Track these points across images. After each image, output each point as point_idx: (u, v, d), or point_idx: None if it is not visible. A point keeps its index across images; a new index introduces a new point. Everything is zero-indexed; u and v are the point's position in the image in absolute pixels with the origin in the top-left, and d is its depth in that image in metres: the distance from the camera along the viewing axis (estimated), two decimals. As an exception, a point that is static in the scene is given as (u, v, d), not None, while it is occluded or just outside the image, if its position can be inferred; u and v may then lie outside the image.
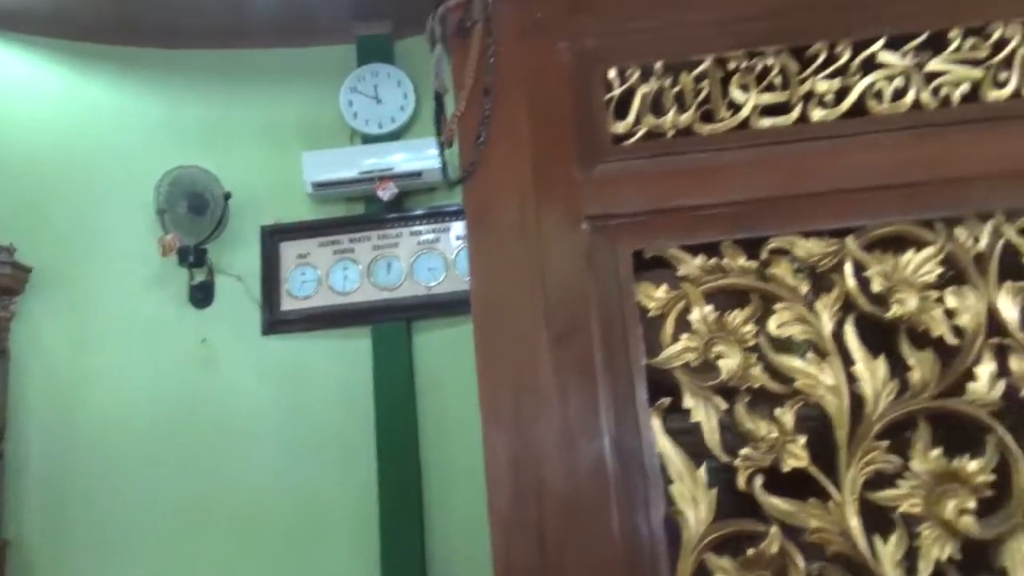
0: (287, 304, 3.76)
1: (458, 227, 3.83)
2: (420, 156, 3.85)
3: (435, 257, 3.81)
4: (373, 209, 3.90)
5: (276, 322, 3.74)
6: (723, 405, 0.74)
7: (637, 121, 0.85)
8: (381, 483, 3.52)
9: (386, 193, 3.80)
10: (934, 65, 0.83)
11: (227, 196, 3.73)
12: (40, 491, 3.43)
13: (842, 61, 0.84)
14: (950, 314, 0.74)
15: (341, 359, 3.71)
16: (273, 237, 3.84)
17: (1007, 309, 0.73)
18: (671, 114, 0.85)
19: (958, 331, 0.74)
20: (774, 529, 0.70)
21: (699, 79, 0.86)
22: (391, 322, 3.73)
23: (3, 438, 3.30)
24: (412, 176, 3.85)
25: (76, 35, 3.89)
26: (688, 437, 0.74)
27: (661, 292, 0.79)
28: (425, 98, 4.05)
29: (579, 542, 0.72)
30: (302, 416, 3.64)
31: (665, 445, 0.73)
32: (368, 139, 3.97)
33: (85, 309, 3.65)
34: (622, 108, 0.86)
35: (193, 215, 3.68)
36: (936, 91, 0.82)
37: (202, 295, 3.71)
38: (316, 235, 3.86)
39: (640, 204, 0.82)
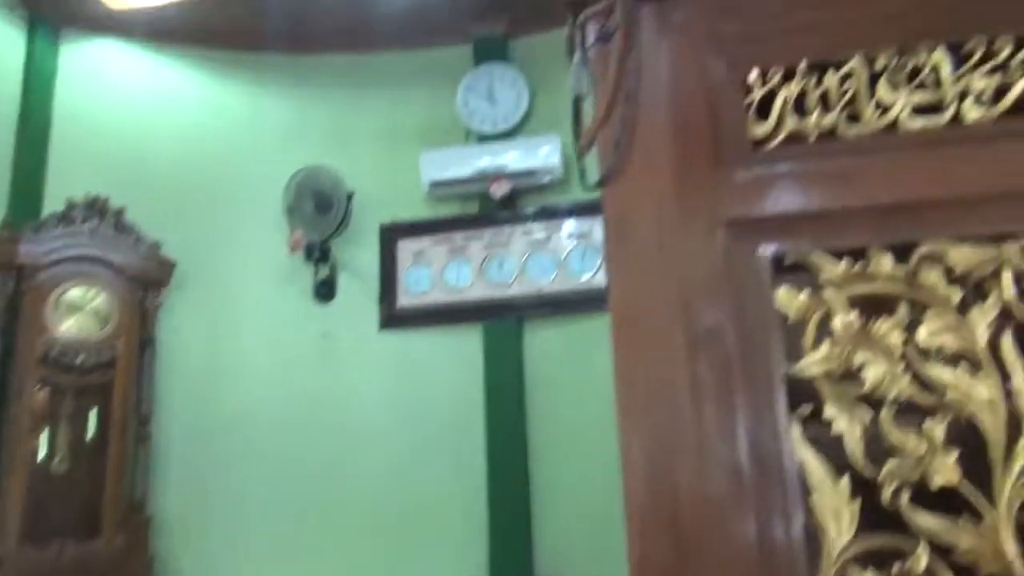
0: (404, 300, 3.90)
1: (569, 225, 3.85)
2: (533, 155, 3.90)
3: (546, 256, 3.84)
4: (487, 208, 3.97)
5: (393, 317, 3.88)
6: (867, 416, 0.72)
7: (779, 124, 0.84)
8: (491, 481, 3.60)
9: (499, 191, 3.87)
10: (1109, 60, 0.77)
11: (350, 195, 3.91)
12: (180, 473, 3.71)
13: (1002, 57, 0.80)
14: (1124, 328, 0.70)
15: (454, 355, 3.81)
16: (391, 235, 3.99)
17: None
18: (815, 116, 0.83)
19: None
20: (922, 546, 0.68)
21: (845, 79, 0.84)
22: (503, 319, 3.79)
23: (150, 421, 3.59)
24: (525, 175, 3.89)
25: (212, 43, 4.15)
26: (829, 448, 0.73)
27: (802, 298, 0.77)
28: (539, 97, 4.08)
29: (715, 547, 0.72)
30: (416, 411, 3.77)
31: (805, 454, 0.72)
32: (483, 138, 4.05)
33: (221, 302, 3.92)
34: (763, 110, 0.85)
35: (319, 213, 3.87)
36: (1110, 89, 0.77)
37: (326, 290, 3.90)
38: (431, 233, 3.97)
39: (781, 208, 0.81)
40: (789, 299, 0.77)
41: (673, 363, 0.79)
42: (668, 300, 0.81)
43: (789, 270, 0.80)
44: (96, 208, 3.62)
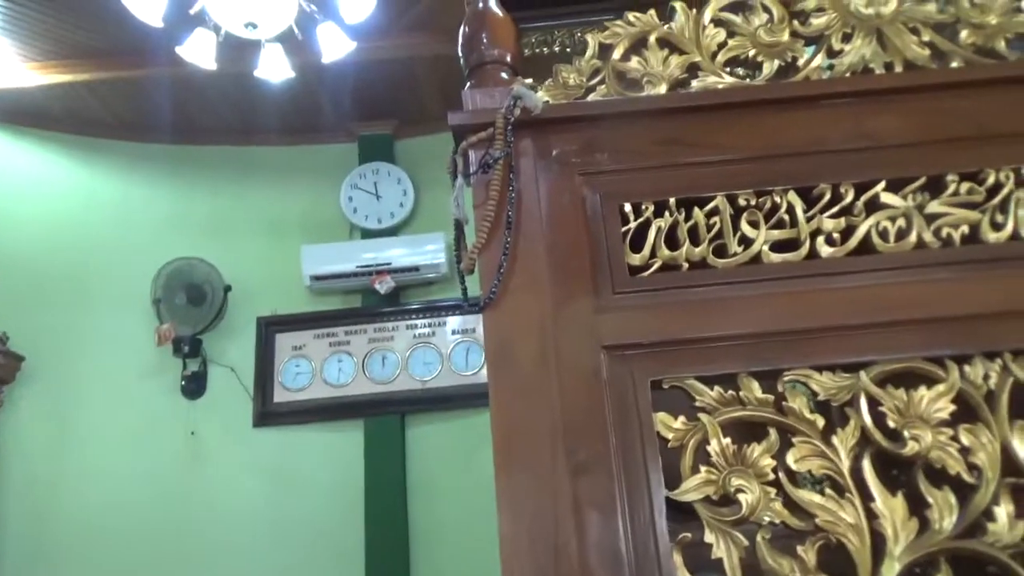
0: (280, 396, 3.73)
1: (454, 322, 3.86)
2: (417, 251, 3.92)
3: (430, 351, 3.81)
4: (370, 302, 3.93)
5: (268, 414, 3.70)
6: (744, 542, 0.74)
7: (653, 254, 0.89)
8: (370, 583, 3.41)
9: (383, 286, 3.84)
10: (934, 207, 0.87)
11: (227, 288, 3.76)
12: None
13: (846, 201, 0.89)
14: (965, 451, 0.76)
15: (333, 453, 3.66)
16: (269, 328, 3.85)
17: (1021, 449, 0.75)
18: (685, 247, 0.89)
19: (974, 468, 0.75)
20: (800, 674, 0.69)
21: (711, 214, 0.90)
22: (385, 415, 3.70)
23: (-18, 534, 3.20)
24: (409, 271, 3.90)
25: (86, 131, 3.99)
26: (712, 571, 0.74)
27: (679, 423, 0.80)
28: (424, 195, 4.15)
29: None
30: (293, 513, 3.55)
31: (688, 582, 0.73)
32: (367, 234, 4.05)
33: (75, 400, 3.61)
34: (638, 241, 0.90)
35: (191, 306, 3.69)
36: (938, 232, 0.86)
37: (195, 386, 3.68)
38: (312, 327, 3.87)
39: (657, 335, 0.84)
40: (667, 424, 0.80)
41: (556, 490, 0.78)
42: (550, 424, 0.81)
43: (668, 393, 0.83)
44: (-66, 297, 3.30)
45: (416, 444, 3.69)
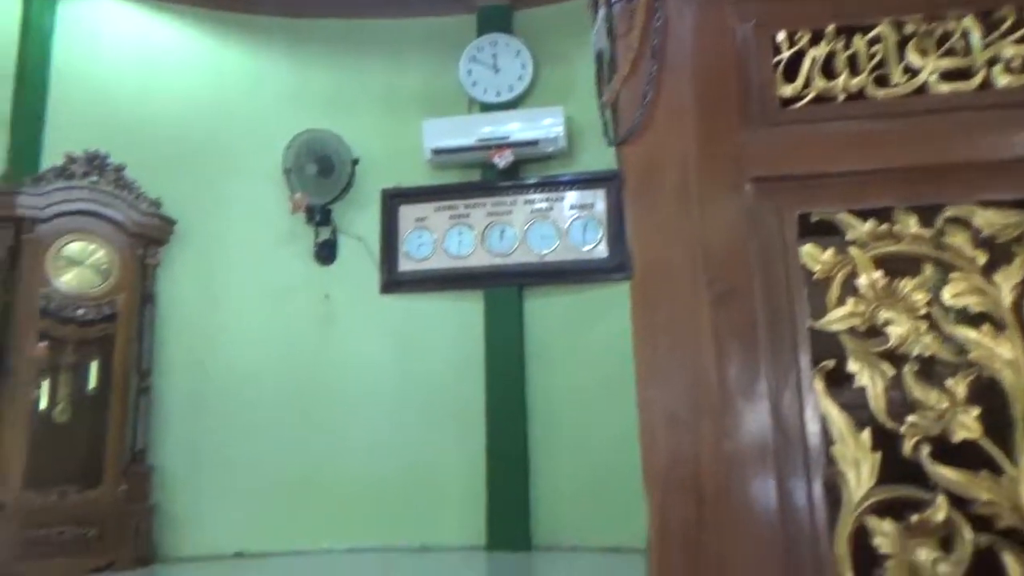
0: (404, 265, 3.90)
1: (572, 197, 3.85)
2: (536, 125, 3.89)
3: (548, 225, 3.84)
4: (489, 176, 3.97)
5: (393, 282, 3.89)
6: (890, 371, 0.74)
7: (806, 84, 0.84)
8: (490, 444, 3.63)
9: (502, 161, 3.86)
10: None
11: (355, 161, 3.89)
12: (178, 426, 3.74)
13: (1033, 24, 0.80)
14: None
15: (455, 320, 3.83)
16: (393, 200, 3.98)
17: None
18: (843, 78, 0.84)
19: None
20: (941, 497, 0.69)
21: (873, 42, 0.84)
22: (503, 287, 3.80)
23: (150, 375, 3.61)
24: (528, 145, 3.88)
25: (210, 4, 4.09)
26: (851, 401, 0.74)
27: (828, 255, 0.78)
28: (543, 69, 4.06)
29: (738, 501, 0.73)
30: (416, 375, 3.79)
31: (828, 406, 0.74)
32: (486, 108, 4.03)
33: (220, 261, 3.92)
34: (790, 72, 0.85)
35: (320, 176, 3.85)
36: None
37: (327, 253, 3.90)
38: (433, 200, 3.97)
39: (808, 167, 0.81)
40: (815, 256, 0.78)
41: (695, 321, 0.79)
42: (691, 257, 0.81)
43: (813, 229, 0.81)
44: (95, 164, 3.59)
45: (534, 315, 3.79)
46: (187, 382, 3.78)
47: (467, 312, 3.80)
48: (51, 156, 3.62)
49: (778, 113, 0.84)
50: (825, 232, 0.81)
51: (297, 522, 3.68)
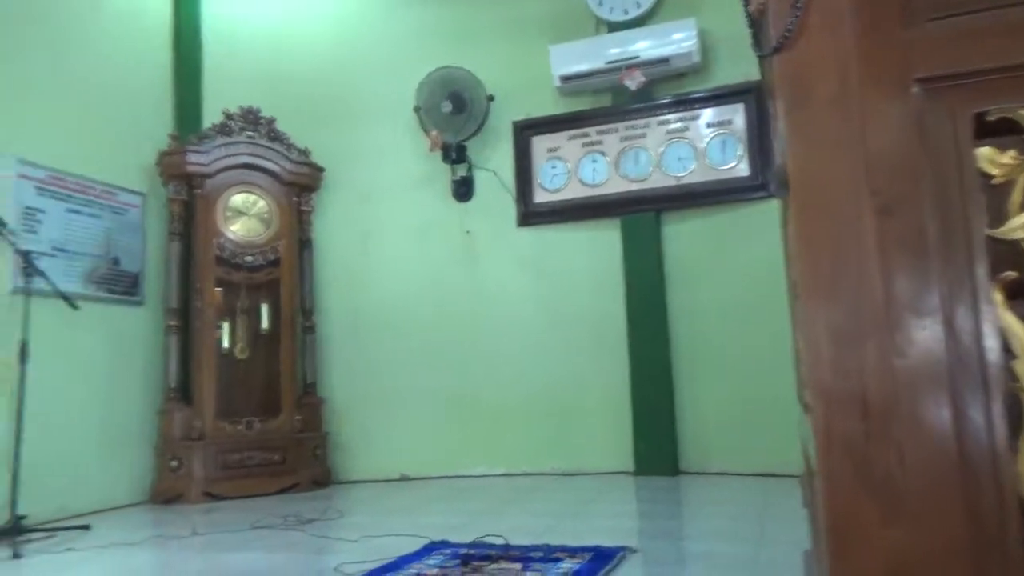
0: (540, 197, 3.93)
1: (708, 115, 3.70)
2: (666, 42, 3.73)
3: (684, 146, 3.72)
4: (620, 100, 3.87)
5: (530, 214, 3.93)
6: (1083, 280, 0.68)
7: (980, -30, 0.76)
8: (633, 371, 3.65)
9: (633, 82, 3.74)
10: None
11: (490, 98, 3.91)
12: (341, 359, 4.04)
13: None
14: None
15: (592, 249, 3.83)
16: (524, 132, 3.98)
17: None
18: (1024, -42, 0.75)
19: None
20: None
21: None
22: (640, 213, 3.75)
23: (313, 314, 3.90)
24: (658, 63, 3.74)
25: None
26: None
27: (1008, 158, 0.72)
28: (671, -21, 3.86)
29: (908, 417, 0.71)
30: (557, 304, 3.85)
31: (1009, 319, 0.69)
32: (614, 27, 3.90)
33: (367, 203, 4.11)
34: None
35: (454, 114, 3.90)
36: None
37: (464, 189, 3.98)
38: (565, 128, 3.93)
39: (983, 61, 0.74)
40: (993, 158, 0.72)
41: (861, 234, 0.76)
42: (854, 167, 0.77)
43: (990, 130, 0.75)
44: (250, 118, 3.83)
45: (672, 240, 3.72)
46: (345, 319, 4.04)
47: (605, 241, 3.79)
48: (210, 114, 3.89)
49: (944, 5, 0.77)
50: (1004, 132, 0.75)
51: (453, 449, 3.90)
